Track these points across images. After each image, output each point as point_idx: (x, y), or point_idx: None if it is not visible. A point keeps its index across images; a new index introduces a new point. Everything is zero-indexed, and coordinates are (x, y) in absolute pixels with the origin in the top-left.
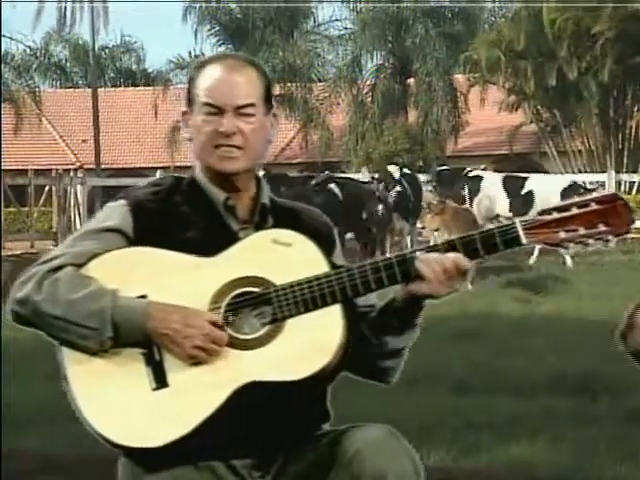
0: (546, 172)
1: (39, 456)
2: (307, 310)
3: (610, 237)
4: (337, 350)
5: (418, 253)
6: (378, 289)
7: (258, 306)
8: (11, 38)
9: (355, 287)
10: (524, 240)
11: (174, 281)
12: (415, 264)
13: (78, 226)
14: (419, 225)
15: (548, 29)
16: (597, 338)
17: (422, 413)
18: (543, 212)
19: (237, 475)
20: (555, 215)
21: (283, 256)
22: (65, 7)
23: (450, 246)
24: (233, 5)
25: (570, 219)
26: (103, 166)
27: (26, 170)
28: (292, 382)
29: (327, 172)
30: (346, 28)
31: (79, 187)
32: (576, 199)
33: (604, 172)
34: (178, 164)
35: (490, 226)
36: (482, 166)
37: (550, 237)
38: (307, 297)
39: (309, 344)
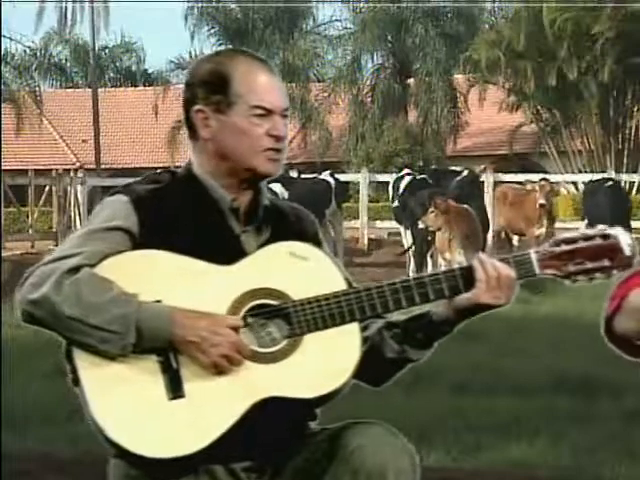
0: (546, 172)
1: (39, 456)
2: (326, 327)
3: (614, 272)
4: (355, 370)
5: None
6: (398, 309)
7: (273, 319)
8: (11, 38)
9: (374, 306)
10: (537, 271)
11: (190, 288)
12: (472, 263)
13: (78, 226)
14: (421, 225)
15: (548, 29)
16: (597, 338)
17: (422, 413)
18: (554, 244)
19: (235, 477)
20: (564, 247)
21: (300, 270)
22: (65, 7)
23: (466, 270)
24: (233, 5)
25: (577, 252)
26: (103, 166)
27: (26, 170)
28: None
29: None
30: (346, 28)
31: (79, 187)
32: (582, 231)
33: (604, 172)
34: (178, 164)
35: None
36: (482, 166)
37: (560, 269)
38: (325, 314)
39: (327, 362)
